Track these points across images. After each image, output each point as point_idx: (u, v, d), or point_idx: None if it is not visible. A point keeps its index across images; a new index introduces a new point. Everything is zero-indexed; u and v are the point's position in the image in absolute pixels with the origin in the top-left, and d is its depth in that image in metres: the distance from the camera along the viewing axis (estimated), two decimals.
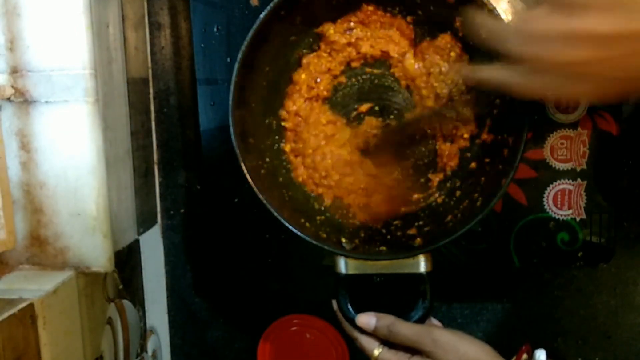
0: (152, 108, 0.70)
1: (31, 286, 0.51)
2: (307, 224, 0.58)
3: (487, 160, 0.58)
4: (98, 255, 0.56)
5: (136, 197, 0.65)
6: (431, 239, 0.56)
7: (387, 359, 0.54)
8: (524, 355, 0.51)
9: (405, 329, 0.53)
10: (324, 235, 0.58)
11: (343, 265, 0.56)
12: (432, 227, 0.58)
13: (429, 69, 0.58)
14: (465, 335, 0.53)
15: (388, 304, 0.56)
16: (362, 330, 0.56)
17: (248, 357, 0.74)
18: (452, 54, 0.57)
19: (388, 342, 0.55)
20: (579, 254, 0.63)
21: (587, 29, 0.39)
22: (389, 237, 0.59)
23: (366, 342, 0.55)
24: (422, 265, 0.55)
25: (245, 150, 0.55)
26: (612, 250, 0.63)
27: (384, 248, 0.57)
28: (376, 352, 0.54)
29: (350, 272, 0.56)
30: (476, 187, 0.58)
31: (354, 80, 0.61)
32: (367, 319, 0.55)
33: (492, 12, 0.50)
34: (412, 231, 0.58)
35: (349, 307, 0.56)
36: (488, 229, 0.64)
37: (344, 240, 0.58)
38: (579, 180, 0.62)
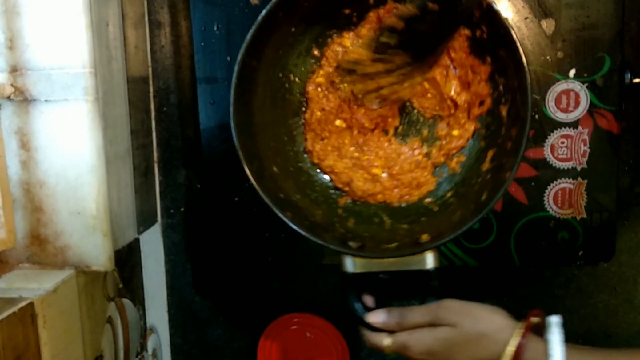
0: (152, 107, 0.70)
1: (31, 285, 0.51)
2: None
3: (488, 158, 0.58)
4: (98, 254, 0.55)
5: (136, 195, 0.65)
6: (438, 234, 0.55)
7: (401, 340, 0.53)
8: (535, 319, 0.51)
9: (416, 311, 0.53)
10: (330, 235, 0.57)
11: (350, 264, 0.55)
12: (438, 223, 0.57)
13: None
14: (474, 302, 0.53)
15: (395, 301, 0.56)
16: (371, 328, 0.55)
17: (248, 356, 0.74)
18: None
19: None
20: (580, 253, 0.63)
21: None
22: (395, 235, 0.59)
23: (374, 336, 0.55)
24: (429, 261, 0.54)
25: (247, 149, 0.55)
26: (612, 249, 0.63)
27: (391, 245, 0.56)
28: (385, 342, 0.54)
29: (358, 270, 0.55)
30: (478, 185, 0.57)
31: None
32: (376, 315, 0.55)
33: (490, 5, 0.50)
34: (417, 227, 0.58)
35: (355, 305, 0.56)
36: (488, 228, 0.64)
37: (350, 242, 0.57)
38: (579, 179, 0.62)
